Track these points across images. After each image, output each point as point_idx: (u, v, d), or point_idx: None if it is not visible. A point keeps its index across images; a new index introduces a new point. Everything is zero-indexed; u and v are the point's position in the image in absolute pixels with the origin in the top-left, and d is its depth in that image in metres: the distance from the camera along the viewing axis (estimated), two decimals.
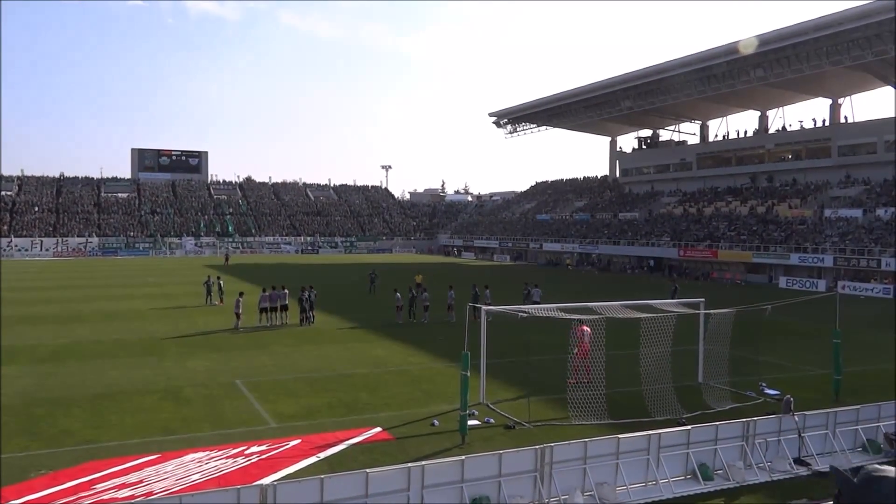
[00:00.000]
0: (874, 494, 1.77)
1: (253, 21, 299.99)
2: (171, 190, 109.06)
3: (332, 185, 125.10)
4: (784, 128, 71.89)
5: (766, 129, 74.14)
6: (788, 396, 14.43)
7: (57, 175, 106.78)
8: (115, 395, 17.10)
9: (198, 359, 21.87)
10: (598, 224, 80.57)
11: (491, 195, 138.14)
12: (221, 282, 37.61)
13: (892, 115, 59.57)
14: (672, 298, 28.00)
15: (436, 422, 15.10)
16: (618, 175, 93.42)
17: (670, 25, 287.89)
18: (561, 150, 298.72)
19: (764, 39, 57.18)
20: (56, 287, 45.56)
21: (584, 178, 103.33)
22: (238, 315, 28.25)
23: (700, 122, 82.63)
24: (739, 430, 12.86)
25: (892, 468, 1.87)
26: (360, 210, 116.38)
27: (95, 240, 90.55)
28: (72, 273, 58.56)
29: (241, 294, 29.25)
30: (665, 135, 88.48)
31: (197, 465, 12.31)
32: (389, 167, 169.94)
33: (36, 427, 14.44)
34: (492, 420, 15.28)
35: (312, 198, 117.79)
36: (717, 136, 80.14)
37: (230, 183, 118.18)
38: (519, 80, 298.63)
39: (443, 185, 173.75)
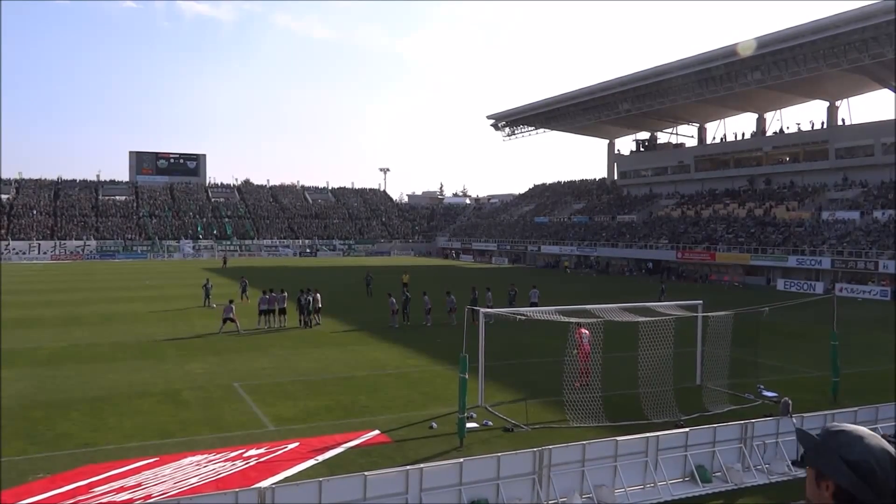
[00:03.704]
0: (835, 447, 1.87)
1: (248, 23, 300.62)
2: (169, 193, 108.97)
3: (330, 187, 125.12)
4: (782, 130, 72.05)
5: (764, 132, 74.29)
6: (786, 398, 14.47)
7: (54, 178, 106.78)
8: (113, 398, 17.09)
9: (196, 361, 21.85)
10: (596, 226, 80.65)
11: (489, 198, 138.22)
12: (246, 281, 39.53)
13: (890, 117, 59.77)
14: (659, 300, 28.08)
15: (434, 424, 15.10)
16: (616, 177, 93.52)
17: (669, 27, 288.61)
18: (559, 152, 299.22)
19: (762, 42, 57.33)
20: (54, 290, 45.51)
21: (582, 180, 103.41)
22: (232, 320, 27.48)
23: (698, 125, 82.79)
24: (738, 433, 12.87)
25: (851, 424, 1.97)
26: (359, 213, 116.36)
27: (93, 243, 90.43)
28: (70, 276, 58.50)
29: (231, 301, 29.06)
30: (663, 137, 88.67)
31: (195, 469, 12.31)
32: (387, 170, 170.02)
33: (34, 430, 14.42)
34: (490, 423, 15.28)
35: (311, 201, 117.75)
36: (714, 138, 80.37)
37: (228, 186, 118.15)
38: (517, 82, 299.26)
39: (441, 188, 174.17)
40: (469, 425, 14.39)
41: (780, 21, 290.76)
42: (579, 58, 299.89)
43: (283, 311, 29.36)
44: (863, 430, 1.90)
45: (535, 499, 10.93)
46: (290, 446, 13.62)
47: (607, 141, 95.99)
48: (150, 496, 10.90)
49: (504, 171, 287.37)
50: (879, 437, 1.90)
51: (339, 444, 13.71)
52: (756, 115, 75.87)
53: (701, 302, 19.42)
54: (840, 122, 66.18)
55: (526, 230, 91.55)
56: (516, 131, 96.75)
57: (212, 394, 17.72)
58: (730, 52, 60.08)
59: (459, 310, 27.37)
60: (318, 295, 30.45)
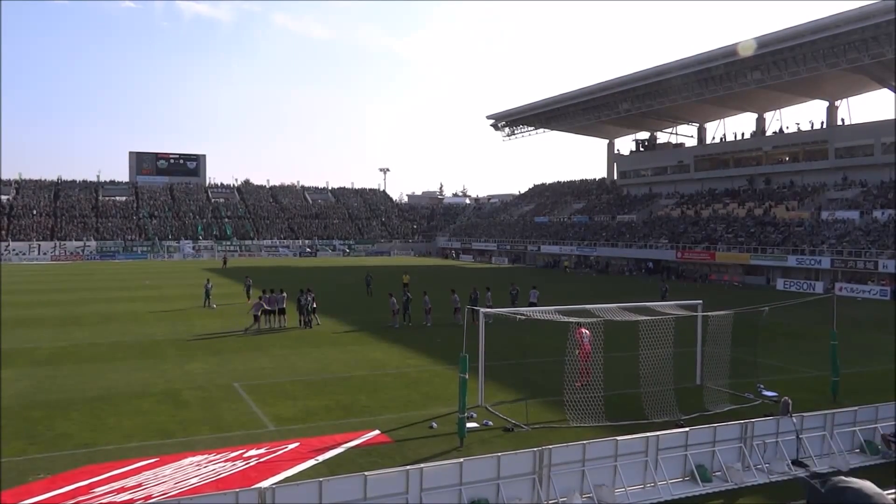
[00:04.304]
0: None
1: (246, 23, 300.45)
2: (169, 193, 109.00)
3: (329, 188, 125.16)
4: (781, 130, 72.08)
5: (764, 132, 74.31)
6: (786, 398, 14.47)
7: (55, 178, 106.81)
8: (113, 399, 17.09)
9: (196, 361, 21.86)
10: (596, 226, 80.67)
11: (489, 197, 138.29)
12: (250, 281, 39.84)
13: (889, 117, 59.79)
14: (662, 300, 28.08)
15: (434, 424, 15.10)
16: (615, 177, 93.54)
17: (669, 27, 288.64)
18: (559, 152, 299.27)
19: (761, 42, 57.35)
20: (54, 290, 45.52)
21: (582, 180, 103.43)
22: (256, 318, 28.24)
23: (697, 125, 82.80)
24: (737, 432, 12.87)
25: (858, 480, 1.91)
26: (358, 213, 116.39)
27: (93, 243, 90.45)
28: (69, 276, 58.49)
29: (260, 297, 29.63)
30: (663, 137, 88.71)
31: (195, 469, 12.31)
32: (387, 170, 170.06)
33: (34, 430, 14.42)
34: (490, 422, 15.28)
35: (310, 201, 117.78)
36: (714, 138, 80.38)
37: (228, 186, 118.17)
38: (517, 82, 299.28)
39: (441, 188, 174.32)
40: (469, 425, 14.38)
41: (779, 21, 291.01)
42: (579, 58, 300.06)
43: (282, 311, 29.41)
44: (870, 488, 1.84)
45: (535, 499, 10.92)
46: (291, 446, 13.62)
47: (607, 141, 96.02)
48: (150, 496, 10.90)
49: (504, 171, 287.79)
50: (886, 496, 1.84)
51: (339, 444, 13.71)
52: (756, 115, 75.89)
53: (701, 302, 19.42)
54: (840, 122, 66.21)
55: (526, 230, 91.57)
56: (516, 131, 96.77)
57: (212, 394, 17.72)
58: (730, 52, 60.10)
59: (463, 309, 27.38)
60: (313, 295, 30.53)
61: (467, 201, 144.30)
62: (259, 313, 28.29)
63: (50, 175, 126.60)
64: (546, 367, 19.79)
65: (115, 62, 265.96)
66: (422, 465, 10.64)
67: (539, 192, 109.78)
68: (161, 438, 14.02)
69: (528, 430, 14.66)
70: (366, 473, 9.94)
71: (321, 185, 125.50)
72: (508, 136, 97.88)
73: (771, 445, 13.00)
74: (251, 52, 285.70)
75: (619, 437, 12.03)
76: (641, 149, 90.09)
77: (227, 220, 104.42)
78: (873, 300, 44.90)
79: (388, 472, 10.40)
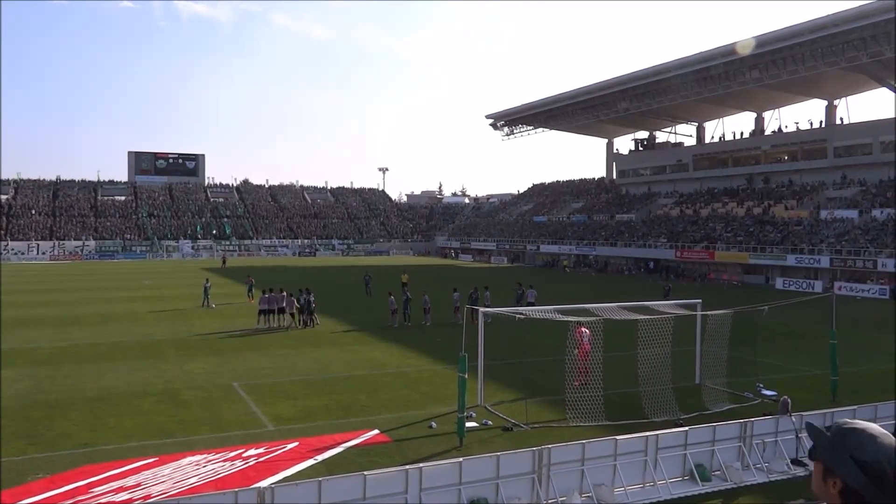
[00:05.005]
0: (847, 446, 1.84)
1: (245, 23, 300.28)
2: (168, 193, 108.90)
3: (328, 187, 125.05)
4: (780, 129, 72.09)
5: (763, 131, 74.33)
6: (785, 397, 14.48)
7: (53, 178, 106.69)
8: (112, 398, 17.08)
9: (195, 361, 21.85)
10: (595, 226, 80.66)
11: (488, 197, 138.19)
12: (253, 280, 40.03)
13: (888, 115, 59.81)
14: (665, 299, 28.10)
15: (434, 424, 15.10)
16: (615, 177, 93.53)
17: (668, 27, 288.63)
18: (558, 151, 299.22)
19: (760, 41, 57.34)
20: (53, 290, 45.47)
21: (581, 179, 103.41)
22: (291, 315, 28.96)
23: (696, 124, 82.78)
24: (737, 431, 12.88)
25: (863, 421, 1.93)
26: (358, 212, 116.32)
27: (92, 243, 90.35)
28: (69, 276, 58.44)
29: (290, 294, 29.75)
30: (661, 136, 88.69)
31: (194, 468, 12.31)
32: (386, 169, 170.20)
33: (34, 430, 14.41)
34: (490, 422, 15.29)
35: (309, 200, 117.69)
36: (713, 137, 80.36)
37: (227, 186, 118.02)
38: (516, 82, 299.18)
39: (440, 188, 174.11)
40: (468, 425, 14.39)
41: (778, 20, 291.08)
42: (579, 58, 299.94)
43: (282, 311, 29.40)
44: (876, 429, 1.87)
45: (534, 498, 10.93)
46: (290, 446, 13.62)
47: (606, 140, 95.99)
48: (149, 496, 10.90)
49: (503, 170, 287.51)
50: (892, 436, 1.87)
51: (338, 444, 13.71)
52: (754, 114, 75.90)
53: (700, 301, 19.43)
54: (838, 121, 66.22)
55: (525, 229, 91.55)
56: (515, 131, 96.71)
57: (211, 394, 17.72)
58: (728, 51, 60.09)
59: (462, 308, 27.36)
60: (312, 295, 30.53)
61: (466, 201, 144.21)
62: (292, 311, 28.99)
63: (49, 174, 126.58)
64: (545, 366, 19.80)
65: (114, 62, 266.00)
66: (421, 464, 10.65)
67: (538, 191, 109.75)
68: (161, 438, 14.02)
69: (527, 430, 14.67)
70: (365, 473, 9.95)
71: (320, 184, 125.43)
72: (507, 135, 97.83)
73: (770, 445, 13.02)
74: (251, 52, 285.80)
75: (618, 437, 12.04)
76: (640, 148, 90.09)
77: (226, 219, 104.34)
78: (872, 299, 44.93)
79: (388, 471, 10.41)
